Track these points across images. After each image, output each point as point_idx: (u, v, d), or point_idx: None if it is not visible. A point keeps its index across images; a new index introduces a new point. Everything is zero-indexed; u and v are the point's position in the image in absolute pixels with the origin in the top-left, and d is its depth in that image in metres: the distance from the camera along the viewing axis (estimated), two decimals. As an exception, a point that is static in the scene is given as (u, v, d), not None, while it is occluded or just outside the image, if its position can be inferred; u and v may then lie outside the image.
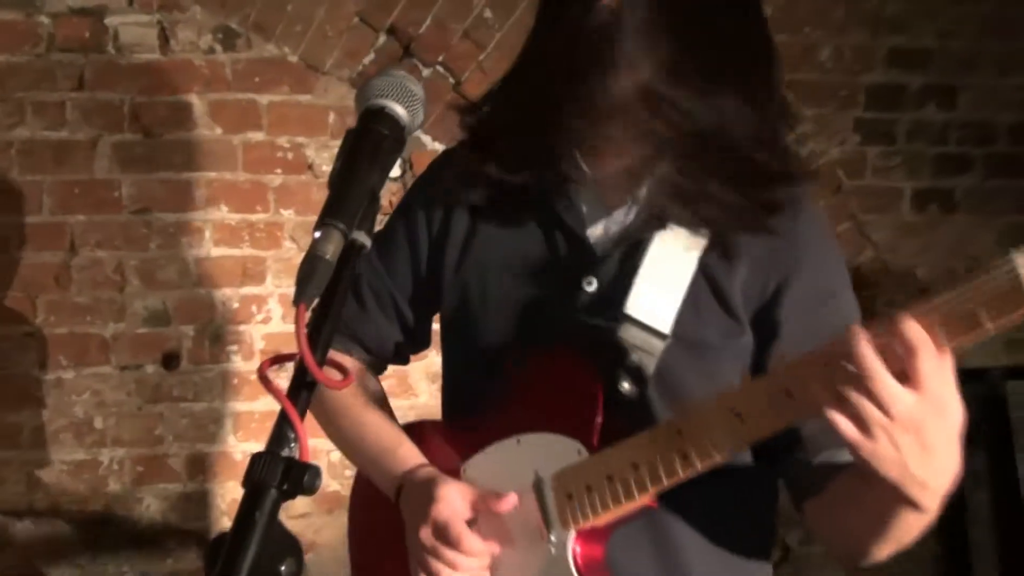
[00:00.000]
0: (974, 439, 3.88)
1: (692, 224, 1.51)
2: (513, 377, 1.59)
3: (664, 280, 1.52)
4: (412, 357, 1.89)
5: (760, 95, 1.49)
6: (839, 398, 1.23)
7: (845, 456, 1.34)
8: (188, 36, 3.42)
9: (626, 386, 1.51)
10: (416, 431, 1.73)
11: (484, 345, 1.64)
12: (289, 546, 1.31)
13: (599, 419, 1.49)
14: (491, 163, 1.58)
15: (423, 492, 1.55)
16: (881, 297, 3.75)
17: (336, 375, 1.19)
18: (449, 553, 1.51)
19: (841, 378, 1.23)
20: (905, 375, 1.20)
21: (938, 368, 1.20)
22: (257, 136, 3.50)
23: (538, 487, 1.51)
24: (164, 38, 3.41)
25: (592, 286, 1.57)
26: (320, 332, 1.18)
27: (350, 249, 1.20)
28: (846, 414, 1.22)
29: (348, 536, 1.86)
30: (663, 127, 1.46)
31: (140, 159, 3.40)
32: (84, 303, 3.39)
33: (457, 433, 1.69)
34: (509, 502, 1.53)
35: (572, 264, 1.59)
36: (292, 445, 1.13)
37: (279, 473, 1.11)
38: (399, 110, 1.28)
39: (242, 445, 3.47)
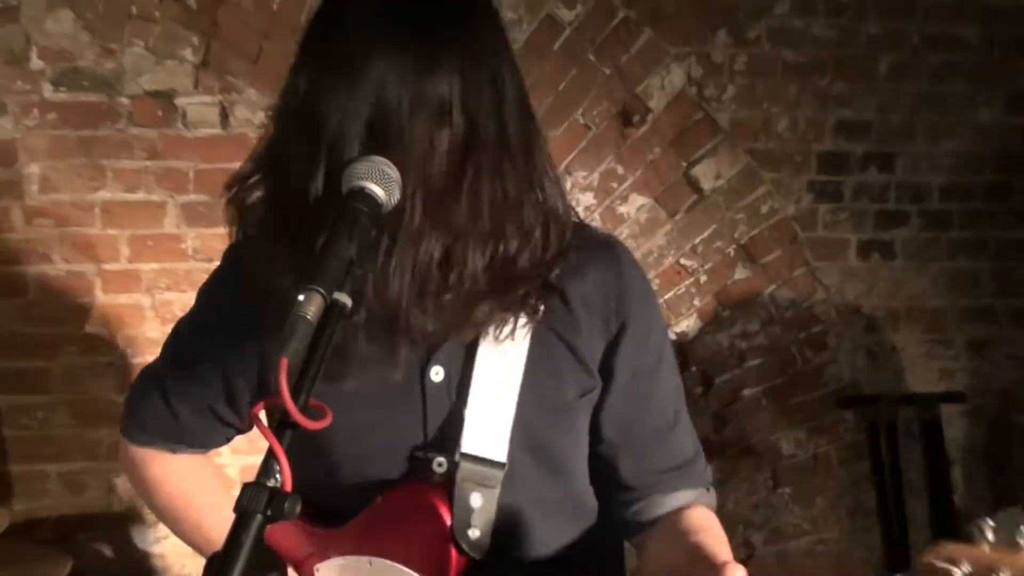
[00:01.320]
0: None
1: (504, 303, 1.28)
2: (361, 489, 1.36)
3: (505, 353, 1.32)
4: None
5: (520, 186, 1.26)
6: None
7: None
8: (244, 114, 3.45)
9: (472, 535, 1.32)
10: None
11: (328, 448, 1.37)
12: (273, 564, 1.31)
13: (452, 567, 1.31)
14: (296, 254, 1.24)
15: None
16: (831, 332, 3.73)
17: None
18: None
19: None
20: None
21: None
22: (301, 197, 3.51)
23: None
24: (224, 115, 3.44)
25: (439, 376, 1.34)
26: (303, 381, 1.17)
27: (331, 308, 1.19)
28: None
29: None
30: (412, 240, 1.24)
31: (203, 216, 3.43)
32: (155, 338, 3.41)
33: (305, 526, 1.43)
34: None
35: (411, 354, 1.31)
36: (277, 476, 1.12)
37: (264, 500, 1.10)
38: (377, 190, 1.25)
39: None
